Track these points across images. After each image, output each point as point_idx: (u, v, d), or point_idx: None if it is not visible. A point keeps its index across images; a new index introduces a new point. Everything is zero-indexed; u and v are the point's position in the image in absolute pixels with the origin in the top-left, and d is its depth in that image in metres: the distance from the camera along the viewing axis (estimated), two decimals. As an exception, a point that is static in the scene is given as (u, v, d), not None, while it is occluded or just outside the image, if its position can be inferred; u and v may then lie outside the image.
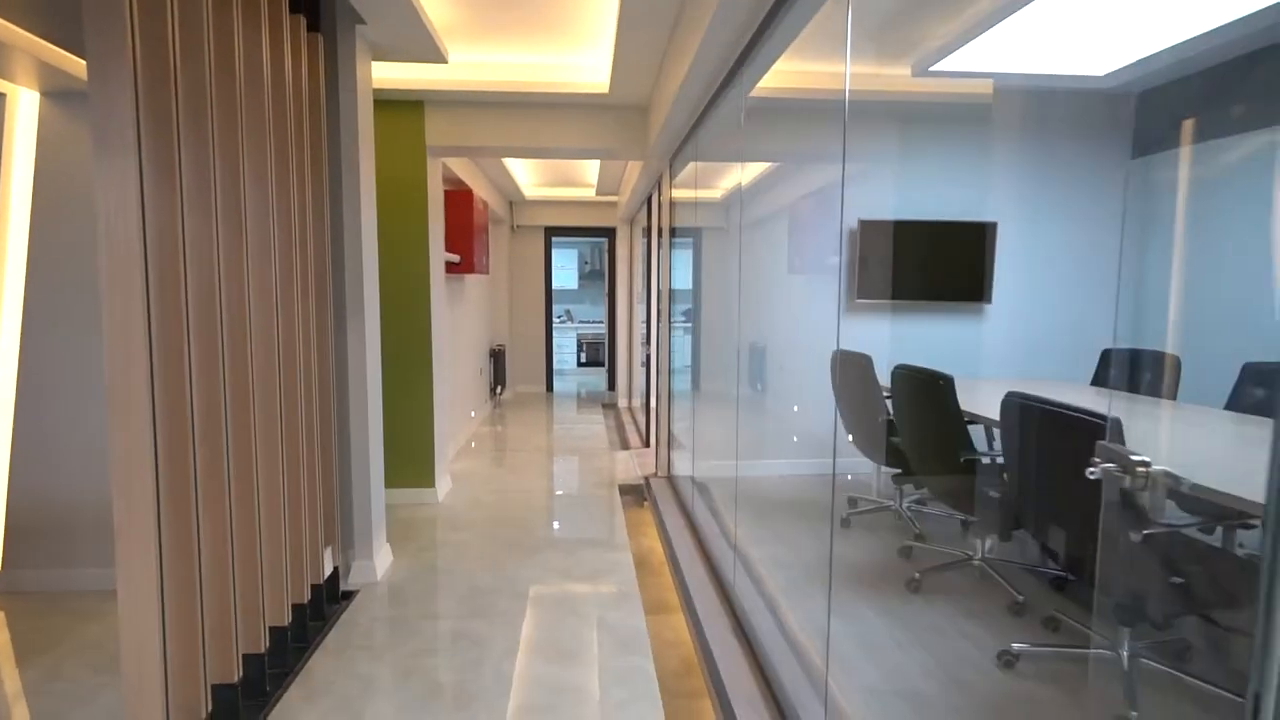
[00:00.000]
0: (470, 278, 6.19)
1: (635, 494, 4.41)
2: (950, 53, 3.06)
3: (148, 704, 1.70)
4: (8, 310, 2.77)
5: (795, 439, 4.59)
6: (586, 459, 5.37)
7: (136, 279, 1.62)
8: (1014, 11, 2.66)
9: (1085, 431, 1.84)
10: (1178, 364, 2.67)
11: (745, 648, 2.37)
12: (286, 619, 2.29)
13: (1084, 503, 1.91)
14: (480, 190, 5.93)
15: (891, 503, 3.67)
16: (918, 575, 2.85)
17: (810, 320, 4.34)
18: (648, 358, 5.90)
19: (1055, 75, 3.34)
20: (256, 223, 2.11)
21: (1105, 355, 3.09)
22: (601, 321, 10.15)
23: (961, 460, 2.53)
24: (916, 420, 2.82)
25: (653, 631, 2.57)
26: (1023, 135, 3.76)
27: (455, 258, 5.02)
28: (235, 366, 1.99)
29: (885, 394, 3.04)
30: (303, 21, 2.43)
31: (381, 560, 3.09)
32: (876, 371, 3.10)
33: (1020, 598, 2.58)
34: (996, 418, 2.32)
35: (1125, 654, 2.04)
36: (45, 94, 2.76)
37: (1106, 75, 3.26)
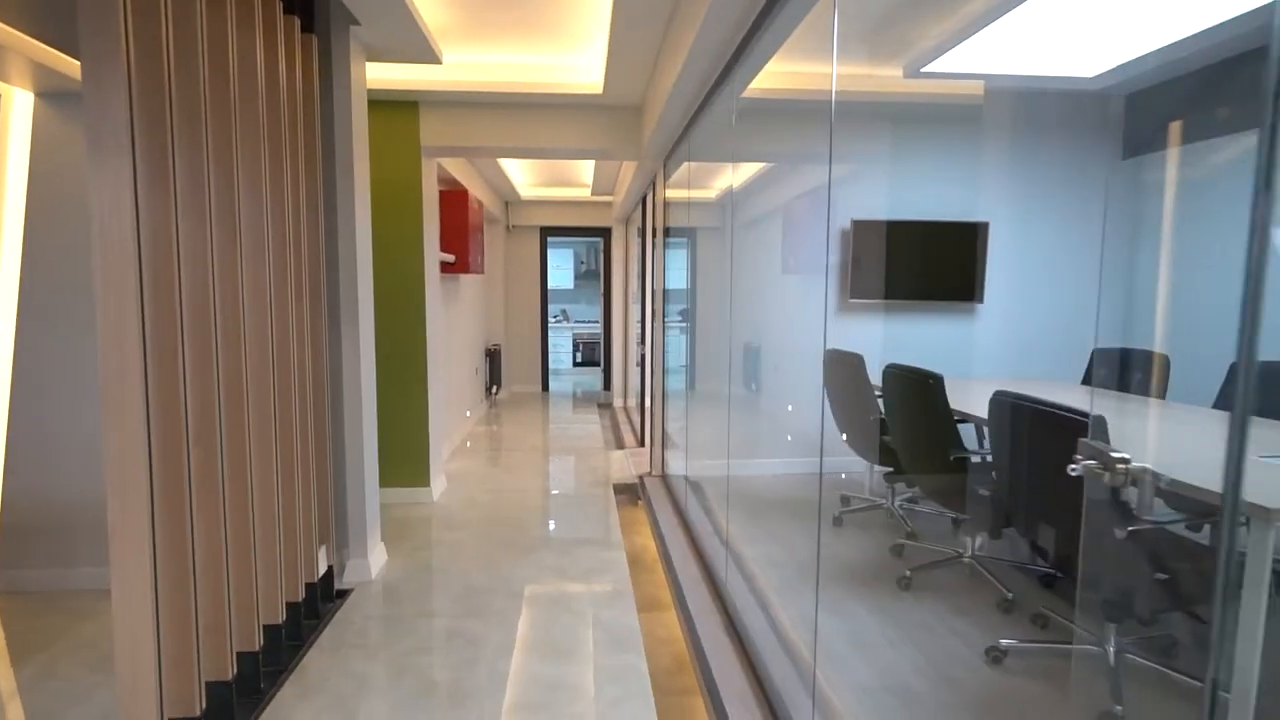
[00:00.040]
0: (465, 277, 6.20)
1: (630, 493, 4.42)
2: (941, 54, 3.08)
3: (142, 701, 1.71)
4: (3, 310, 2.77)
5: (789, 438, 4.62)
6: (581, 458, 5.39)
7: (131, 279, 1.63)
8: (1004, 14, 2.68)
9: (1069, 429, 1.86)
10: (1166, 363, 2.70)
11: (737, 645, 2.39)
12: (281, 617, 2.30)
13: (1071, 500, 1.94)
14: (475, 190, 5.94)
15: (884, 501, 3.69)
16: (908, 573, 2.88)
17: (804, 320, 4.36)
18: (643, 357, 5.91)
19: (1045, 77, 3.37)
20: (250, 223, 2.12)
21: (1096, 354, 3.12)
22: (597, 321, 10.17)
23: (951, 459, 2.56)
24: (907, 419, 2.84)
25: (646, 629, 2.59)
26: (1013, 136, 3.79)
27: (450, 258, 5.03)
28: (229, 366, 2.00)
29: (877, 393, 3.07)
30: (297, 23, 2.44)
31: (376, 559, 3.11)
32: (869, 371, 3.12)
33: (1010, 595, 2.61)
34: (986, 416, 2.34)
35: (1111, 650, 2.06)
36: (40, 95, 2.76)
37: (1095, 77, 3.29)
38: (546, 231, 8.50)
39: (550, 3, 2.96)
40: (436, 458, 4.31)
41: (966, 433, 2.88)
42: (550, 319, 9.10)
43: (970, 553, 2.89)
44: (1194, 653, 2.13)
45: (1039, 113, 3.74)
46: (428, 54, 3.17)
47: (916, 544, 3.26)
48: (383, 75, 3.57)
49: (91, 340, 2.75)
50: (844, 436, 3.42)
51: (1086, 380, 3.09)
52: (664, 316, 4.85)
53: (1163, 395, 2.68)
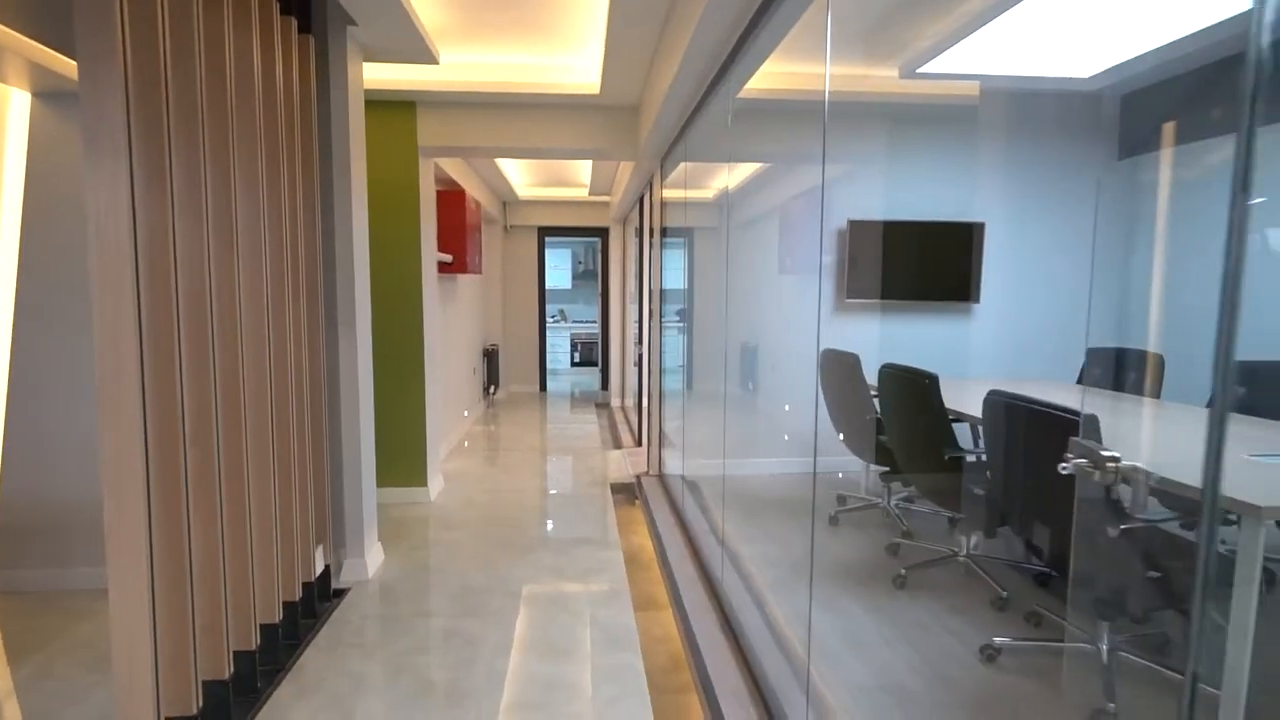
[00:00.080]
0: (463, 277, 6.21)
1: (627, 493, 4.43)
2: (937, 55, 3.09)
3: (138, 700, 1.72)
4: (0, 310, 2.78)
5: (786, 437, 4.63)
6: (579, 458, 5.39)
7: (127, 279, 1.64)
8: (999, 14, 2.69)
9: (1061, 429, 1.88)
10: (1161, 363, 2.71)
11: (732, 643, 2.39)
12: (278, 616, 2.31)
13: (1064, 500, 1.95)
14: (473, 190, 5.95)
15: (880, 500, 3.70)
16: (904, 571, 2.89)
17: (800, 320, 4.37)
18: (640, 357, 5.92)
19: (1040, 78, 3.38)
20: (247, 223, 2.12)
21: (1090, 354, 3.13)
22: (595, 321, 10.17)
23: (946, 458, 2.57)
24: (903, 419, 2.86)
25: (642, 628, 2.60)
26: (1010, 137, 3.80)
27: (448, 258, 5.03)
28: (226, 366, 2.01)
29: (873, 393, 3.08)
30: (294, 23, 2.44)
31: (373, 559, 3.11)
32: (865, 371, 3.13)
33: (1004, 593, 2.62)
34: (980, 416, 2.35)
35: (1104, 648, 2.07)
36: (37, 95, 2.76)
37: (1091, 77, 3.30)
38: (544, 231, 8.50)
39: (547, 3, 2.97)
40: (434, 457, 4.32)
41: (962, 432, 2.89)
42: (548, 319, 9.10)
43: (965, 552, 2.90)
44: (1186, 651, 2.14)
45: (1035, 113, 3.75)
46: (424, 54, 3.17)
47: (912, 543, 3.28)
48: (380, 75, 3.58)
49: (88, 340, 2.75)
50: (840, 436, 3.43)
51: (1082, 380, 3.10)
52: (661, 316, 4.86)
53: (1157, 395, 2.70)
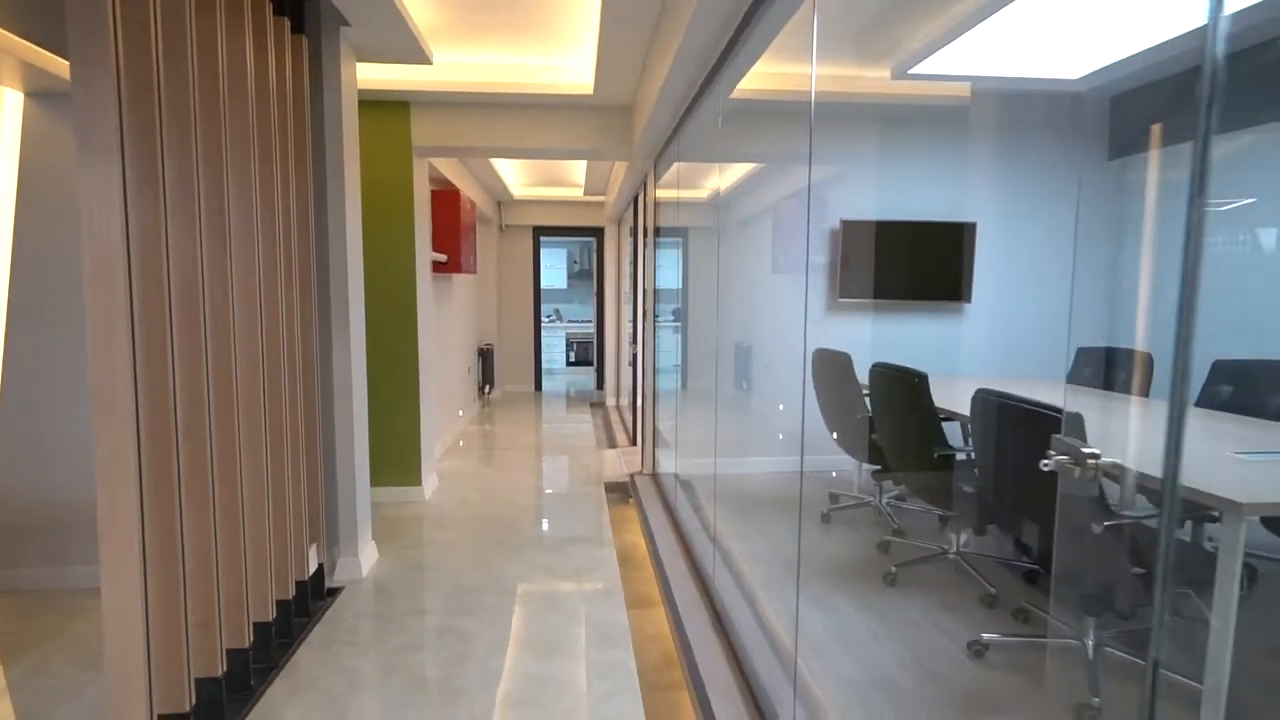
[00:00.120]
0: (458, 277, 6.21)
1: (621, 491, 4.45)
2: (928, 56, 3.11)
3: (131, 697, 1.73)
4: (-8, 310, 2.78)
5: (780, 436, 4.65)
6: (574, 457, 5.41)
7: (119, 279, 1.65)
8: (988, 16, 2.72)
9: (1046, 426, 1.90)
10: (1149, 361, 2.73)
11: (723, 640, 2.41)
12: (271, 614, 2.32)
13: (1051, 497, 1.97)
14: (468, 190, 5.95)
15: (871, 499, 3.73)
16: (894, 569, 2.91)
17: (794, 320, 4.39)
18: (634, 357, 5.94)
19: (1031, 79, 3.41)
20: (240, 223, 2.13)
21: (1080, 353, 3.16)
22: (590, 321, 10.19)
23: (936, 456, 2.59)
24: (893, 417, 2.88)
25: (634, 626, 2.62)
26: (1001, 137, 3.83)
27: (442, 257, 5.04)
28: (219, 365, 2.02)
29: (865, 392, 3.10)
30: (287, 24, 2.45)
31: (367, 557, 3.12)
32: (856, 370, 3.15)
33: (993, 590, 2.64)
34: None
35: (1090, 643, 2.10)
36: (29, 94, 2.77)
37: (1080, 79, 3.33)
38: (539, 231, 8.51)
39: (540, 4, 2.99)
40: (428, 457, 4.33)
41: (954, 431, 2.92)
42: (544, 318, 9.11)
43: (955, 549, 2.93)
44: (1171, 646, 2.17)
45: (1025, 114, 3.78)
46: (418, 55, 3.18)
47: (903, 541, 3.30)
48: (374, 75, 3.59)
49: (83, 339, 2.76)
50: (834, 435, 3.45)
51: (1072, 378, 3.13)
52: (655, 316, 4.88)
53: (1145, 393, 2.72)
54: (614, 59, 3.22)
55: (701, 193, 4.49)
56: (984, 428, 2.33)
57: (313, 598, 2.69)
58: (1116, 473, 1.31)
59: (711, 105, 2.89)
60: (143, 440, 1.72)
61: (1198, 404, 2.74)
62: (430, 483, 4.34)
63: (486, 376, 7.80)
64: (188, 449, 1.88)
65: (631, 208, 6.14)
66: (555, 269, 11.06)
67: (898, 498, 3.72)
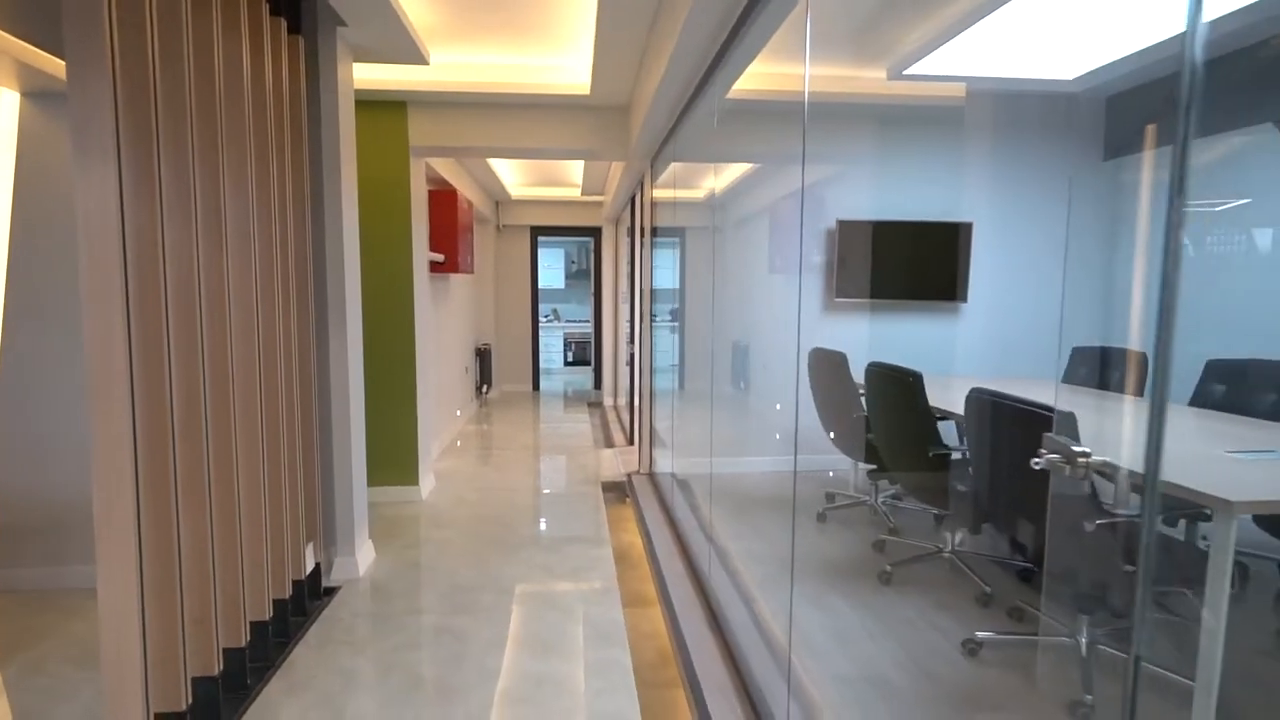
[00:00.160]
0: (455, 277, 6.22)
1: (618, 491, 4.45)
2: (923, 57, 3.13)
3: (127, 697, 1.73)
4: (-12, 310, 2.78)
5: (778, 436, 4.66)
6: (571, 457, 5.41)
7: (116, 279, 1.65)
8: (983, 17, 2.73)
9: (1039, 425, 1.91)
10: (1144, 361, 2.74)
11: (718, 638, 2.42)
12: (268, 614, 2.32)
13: (1045, 496, 1.98)
14: (465, 190, 5.96)
15: (867, 498, 3.74)
16: (889, 568, 2.92)
17: (791, 320, 4.41)
18: (632, 357, 5.95)
19: (1026, 79, 3.42)
20: (236, 223, 2.14)
21: (1075, 353, 3.17)
22: (588, 321, 10.20)
23: (931, 455, 2.60)
24: (888, 417, 2.89)
25: (630, 624, 2.62)
26: (996, 137, 3.84)
27: (439, 257, 5.05)
28: (215, 365, 2.02)
29: (860, 391, 3.11)
30: (283, 24, 2.46)
31: (364, 557, 3.13)
32: (852, 369, 3.16)
33: (988, 589, 2.65)
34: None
35: (1083, 641, 2.11)
36: (25, 95, 2.77)
37: (1074, 79, 3.34)
38: (537, 231, 8.52)
39: (536, 4, 2.99)
40: (426, 456, 4.33)
41: (950, 431, 2.93)
42: (541, 318, 9.12)
43: (950, 548, 2.94)
44: (1165, 644, 2.18)
45: (1020, 115, 3.79)
46: (415, 55, 3.19)
47: (898, 540, 3.31)
48: (370, 75, 3.59)
49: (81, 339, 2.76)
50: (830, 435, 3.46)
51: (1067, 378, 3.14)
52: (652, 316, 4.89)
53: (1140, 392, 2.73)
54: (610, 59, 3.23)
55: (698, 193, 4.50)
56: (978, 427, 2.34)
57: (309, 597, 2.70)
58: (1108, 471, 1.32)
59: (707, 105, 2.89)
60: (139, 439, 1.73)
61: (1192, 403, 2.75)
62: (427, 482, 4.35)
63: (484, 376, 7.80)
64: (184, 448, 1.88)
65: (629, 208, 6.15)
66: (553, 269, 11.07)
67: (894, 497, 3.73)
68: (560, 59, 3.69)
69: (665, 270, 5.11)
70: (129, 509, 1.70)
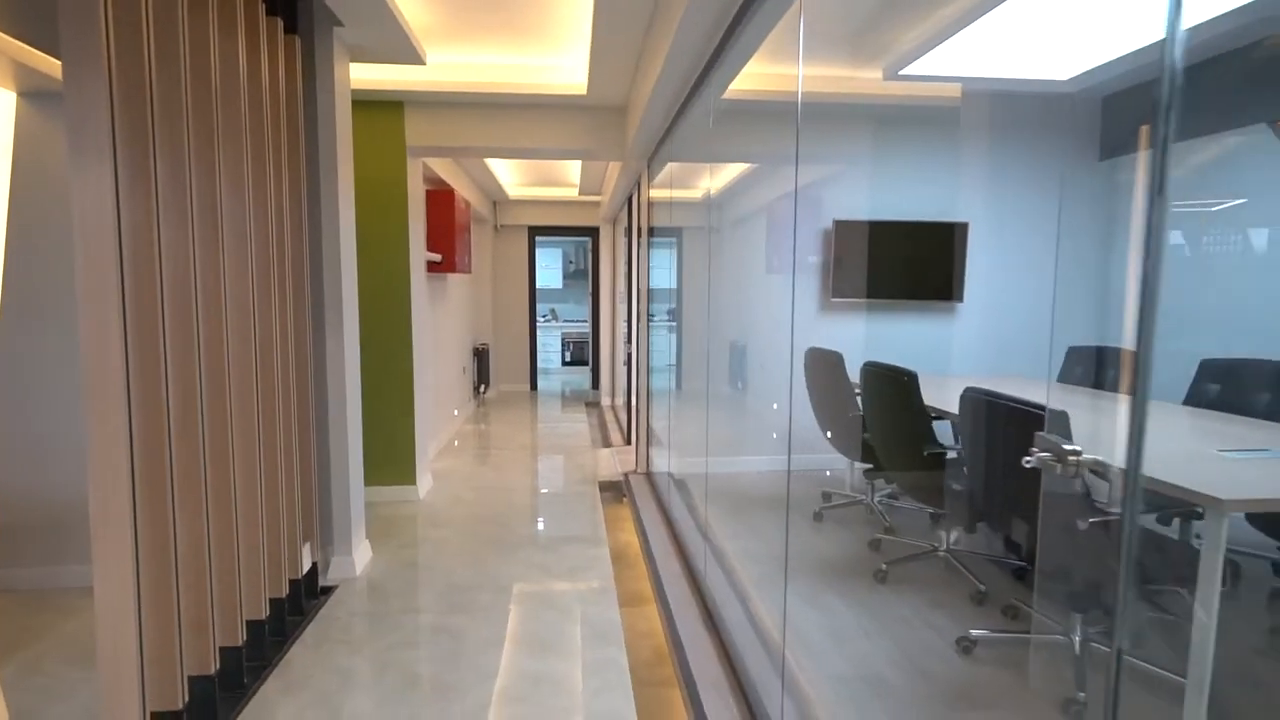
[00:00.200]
0: (453, 277, 6.22)
1: (615, 490, 4.46)
2: (919, 57, 3.13)
3: (123, 695, 1.73)
4: (-15, 309, 2.78)
5: (774, 435, 4.66)
6: (568, 456, 5.42)
7: (112, 278, 1.66)
8: (977, 18, 2.74)
9: (1032, 424, 1.92)
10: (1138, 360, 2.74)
11: (714, 637, 2.43)
12: (264, 613, 2.33)
13: (1037, 494, 1.99)
14: (463, 190, 5.96)
15: (864, 497, 3.75)
16: (884, 566, 2.93)
17: (787, 319, 4.41)
18: (629, 356, 5.95)
19: (1021, 80, 3.43)
20: (233, 222, 2.14)
21: (1071, 352, 3.18)
22: (586, 321, 10.20)
23: (925, 454, 2.61)
24: (884, 416, 2.90)
25: (627, 623, 2.63)
26: (992, 137, 3.85)
27: (437, 257, 5.05)
28: (211, 364, 2.03)
29: (856, 391, 3.12)
30: (279, 24, 2.46)
31: (361, 556, 3.13)
32: (848, 369, 3.17)
33: (982, 587, 2.66)
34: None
35: (1077, 639, 2.12)
36: (22, 94, 2.77)
37: (1070, 80, 3.35)
38: (535, 231, 8.52)
39: (532, 4, 3.00)
40: (423, 456, 4.34)
41: (945, 430, 2.94)
42: (539, 318, 9.12)
43: (946, 547, 2.95)
44: (1157, 642, 2.19)
45: (1016, 115, 3.80)
46: (411, 55, 3.19)
47: (894, 539, 3.32)
48: (367, 75, 3.59)
49: (78, 339, 2.77)
50: (827, 435, 3.47)
51: (1063, 377, 3.16)
52: (649, 316, 4.89)
53: (1134, 391, 2.74)
54: (607, 59, 3.23)
55: (695, 193, 4.51)
56: (972, 426, 2.35)
57: (306, 596, 2.70)
58: (1100, 469, 1.33)
59: (704, 106, 2.90)
60: (135, 438, 1.73)
61: (1186, 402, 2.76)
62: (425, 482, 4.35)
63: (482, 376, 7.81)
64: (180, 447, 1.89)
65: (626, 208, 6.15)
66: (551, 269, 11.07)
67: (890, 496, 3.74)
68: (557, 59, 3.69)
69: (662, 270, 5.12)
70: (125, 508, 1.70)
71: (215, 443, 2.05)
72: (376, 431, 4.01)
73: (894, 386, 2.71)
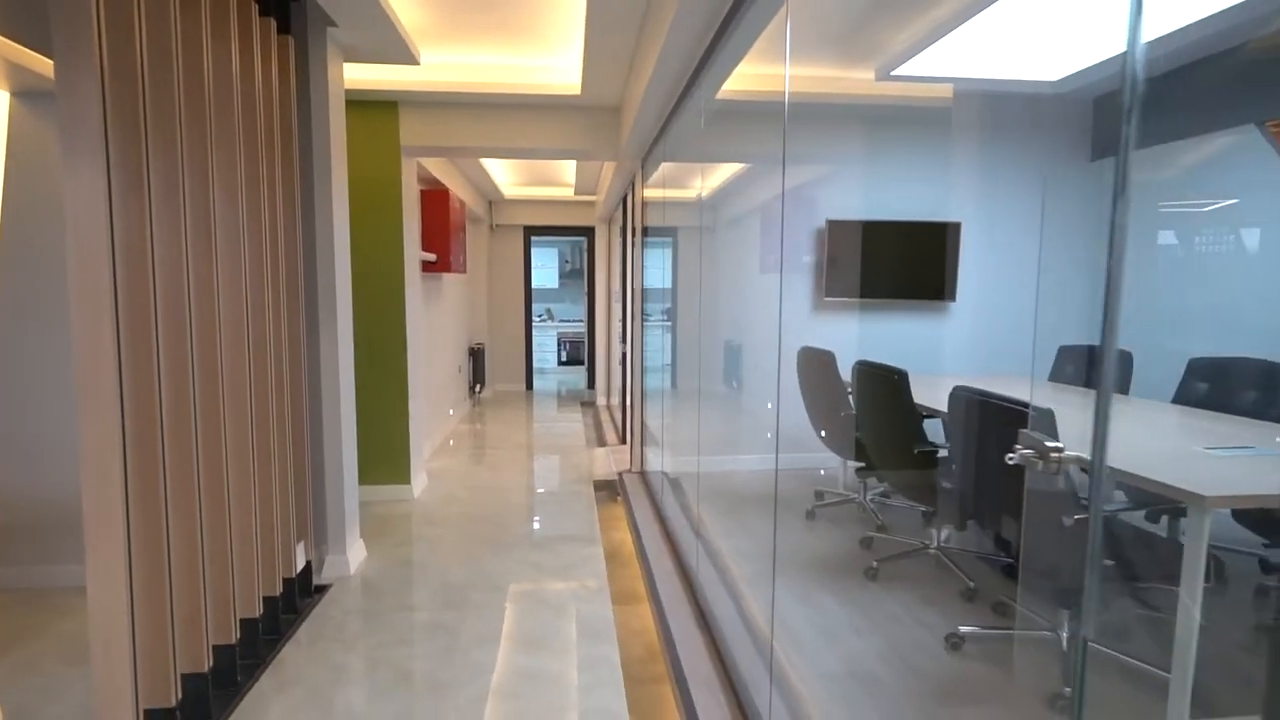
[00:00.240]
0: (448, 276, 6.23)
1: (609, 489, 4.47)
2: (911, 58, 3.15)
3: (116, 693, 1.74)
4: (-22, 309, 2.78)
5: (769, 435, 4.68)
6: (564, 456, 5.43)
7: (104, 277, 1.67)
8: (968, 19, 2.76)
9: (1018, 422, 1.93)
10: (1129, 360, 2.78)
11: (705, 634, 2.45)
12: (258, 611, 2.34)
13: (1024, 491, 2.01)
14: (458, 189, 5.97)
15: (856, 496, 3.77)
16: (875, 564, 2.95)
17: (781, 319, 4.43)
18: (624, 356, 5.97)
19: (1012, 80, 3.45)
20: (225, 222, 2.15)
21: (1062, 351, 3.21)
22: (582, 320, 10.21)
23: (916, 453, 2.63)
24: (875, 415, 2.92)
25: (619, 621, 2.64)
26: (984, 138, 3.87)
27: (432, 257, 5.05)
28: (204, 363, 2.03)
29: (849, 390, 3.14)
30: (273, 24, 2.47)
31: (355, 555, 3.14)
32: (843, 368, 3.19)
33: (972, 584, 2.68)
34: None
35: (1064, 635, 2.14)
36: (15, 94, 2.77)
37: (1061, 80, 3.37)
38: (530, 231, 8.53)
39: (526, 5, 3.01)
40: (417, 455, 4.35)
41: (937, 429, 2.95)
42: (535, 318, 9.13)
43: (936, 544, 2.97)
44: (1144, 637, 2.21)
45: (1008, 115, 3.83)
46: (405, 55, 3.20)
47: (885, 536, 3.34)
48: (362, 75, 3.60)
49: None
50: (821, 434, 3.49)
51: (1054, 376, 3.18)
52: (643, 316, 4.91)
53: (1125, 390, 2.77)
54: (600, 59, 3.25)
55: (690, 193, 4.53)
56: (962, 425, 2.37)
57: (300, 595, 2.71)
58: (1086, 466, 1.34)
59: (696, 106, 2.92)
60: (128, 437, 1.74)
61: (1175, 401, 2.78)
62: (419, 481, 4.36)
63: (477, 376, 7.81)
64: (173, 446, 1.89)
65: (621, 208, 6.17)
66: (547, 268, 11.08)
67: (882, 494, 3.76)
68: (551, 59, 3.70)
69: (657, 270, 5.13)
70: (118, 506, 1.71)
71: (208, 441, 2.06)
72: (371, 431, 4.02)
73: (885, 385, 2.73)
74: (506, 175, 7.00)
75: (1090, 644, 2.17)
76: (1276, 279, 2.49)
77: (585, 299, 8.82)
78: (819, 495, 3.85)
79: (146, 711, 1.83)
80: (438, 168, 5.23)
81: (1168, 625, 2.10)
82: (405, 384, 4.18)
